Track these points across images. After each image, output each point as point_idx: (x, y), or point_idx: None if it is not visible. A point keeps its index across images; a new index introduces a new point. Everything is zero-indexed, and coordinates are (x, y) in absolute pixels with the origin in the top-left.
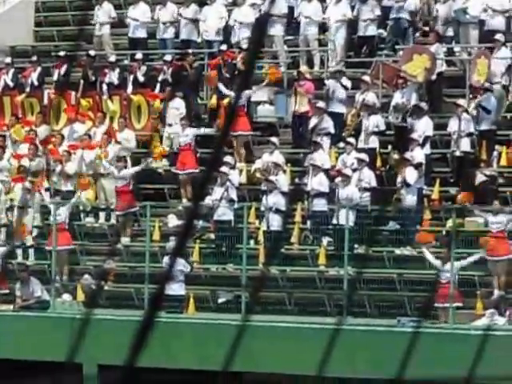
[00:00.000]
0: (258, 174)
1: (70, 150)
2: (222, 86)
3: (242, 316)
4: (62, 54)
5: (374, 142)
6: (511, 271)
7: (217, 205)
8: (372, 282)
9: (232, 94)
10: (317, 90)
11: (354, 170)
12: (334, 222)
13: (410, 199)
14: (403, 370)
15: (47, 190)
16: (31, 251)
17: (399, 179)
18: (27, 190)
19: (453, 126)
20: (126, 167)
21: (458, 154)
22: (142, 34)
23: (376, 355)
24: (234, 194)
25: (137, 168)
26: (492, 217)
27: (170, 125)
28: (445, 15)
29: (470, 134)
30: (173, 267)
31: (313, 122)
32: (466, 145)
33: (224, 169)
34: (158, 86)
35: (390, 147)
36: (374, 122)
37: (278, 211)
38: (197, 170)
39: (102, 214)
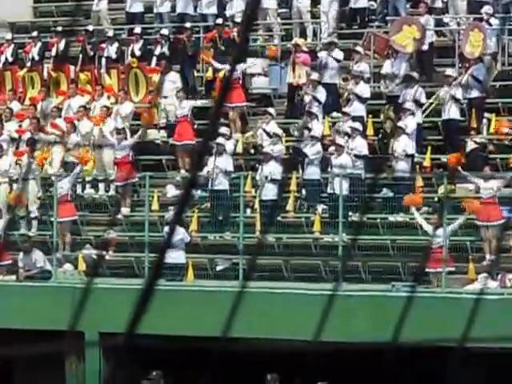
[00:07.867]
0: (250, 139)
1: (67, 123)
2: (215, 63)
3: (239, 282)
4: (59, 29)
5: (359, 110)
6: (502, 236)
7: (213, 174)
8: (366, 248)
9: (226, 67)
10: (313, 62)
11: (348, 138)
12: (330, 191)
13: (402, 166)
14: (398, 335)
15: (49, 162)
16: (34, 222)
17: (396, 148)
18: (28, 162)
19: (443, 94)
20: (126, 138)
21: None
22: (138, 8)
23: (371, 320)
24: (230, 165)
25: (135, 137)
26: (483, 183)
27: (166, 97)
28: None
29: (458, 102)
30: (172, 235)
31: (306, 93)
32: (454, 112)
33: (220, 139)
34: (155, 59)
35: (381, 117)
36: (360, 89)
37: (273, 180)
38: (194, 142)
39: (101, 185)
